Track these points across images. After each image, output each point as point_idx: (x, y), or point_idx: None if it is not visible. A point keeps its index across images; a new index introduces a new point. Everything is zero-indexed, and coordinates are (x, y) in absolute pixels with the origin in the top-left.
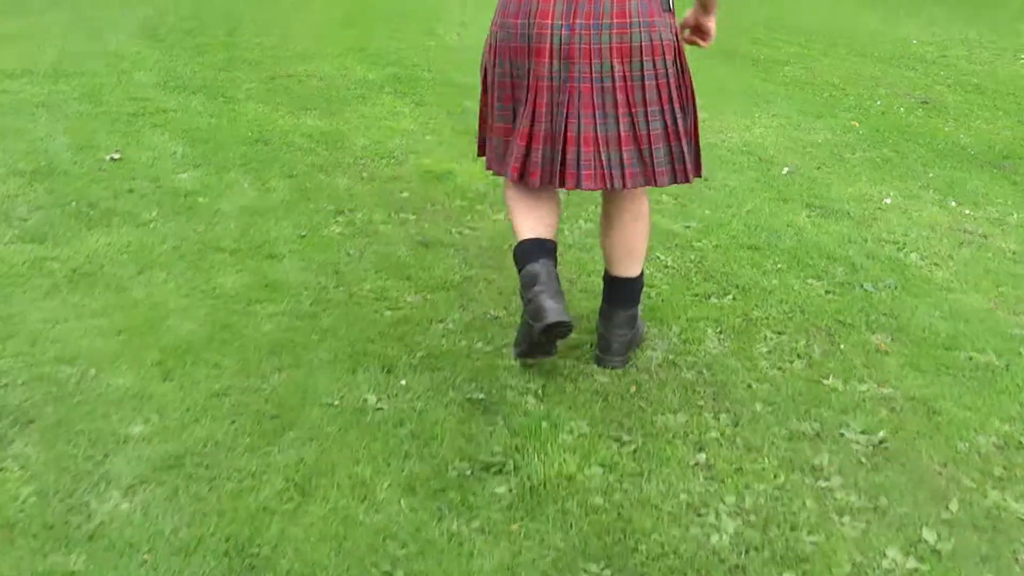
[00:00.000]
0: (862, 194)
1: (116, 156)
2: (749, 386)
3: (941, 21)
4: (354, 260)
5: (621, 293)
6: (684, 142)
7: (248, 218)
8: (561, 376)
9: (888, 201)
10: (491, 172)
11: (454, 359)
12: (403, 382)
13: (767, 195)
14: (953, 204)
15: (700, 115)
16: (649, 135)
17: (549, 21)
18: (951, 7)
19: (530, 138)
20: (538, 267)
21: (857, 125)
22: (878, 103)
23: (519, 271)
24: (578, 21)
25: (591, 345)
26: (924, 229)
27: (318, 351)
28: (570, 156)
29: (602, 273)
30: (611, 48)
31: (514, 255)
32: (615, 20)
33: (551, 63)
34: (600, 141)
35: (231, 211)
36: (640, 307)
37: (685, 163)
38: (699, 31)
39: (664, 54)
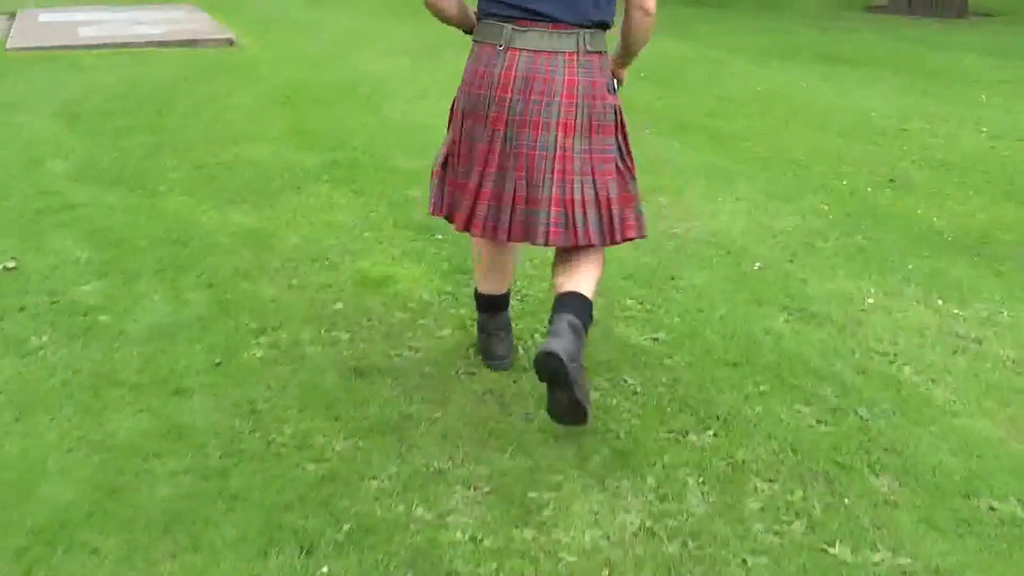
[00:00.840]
0: (841, 292)
1: (10, 265)
2: (744, 561)
3: (896, 91)
4: (275, 395)
5: (568, 302)
6: (614, 208)
7: (156, 342)
8: (520, 556)
9: (871, 301)
10: (433, 215)
11: (389, 532)
12: (324, 569)
13: (740, 296)
14: (939, 302)
15: (661, 199)
16: (582, 200)
17: (508, 95)
18: (904, 76)
19: (477, 195)
20: (491, 316)
21: (826, 208)
22: (844, 182)
23: (477, 312)
24: (532, 96)
25: (553, 508)
26: (913, 335)
27: (223, 526)
28: (516, 214)
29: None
30: (557, 122)
31: (475, 296)
32: (564, 98)
33: (505, 131)
34: (539, 201)
35: (137, 333)
36: (584, 354)
37: (613, 227)
38: (615, 78)
39: (603, 132)
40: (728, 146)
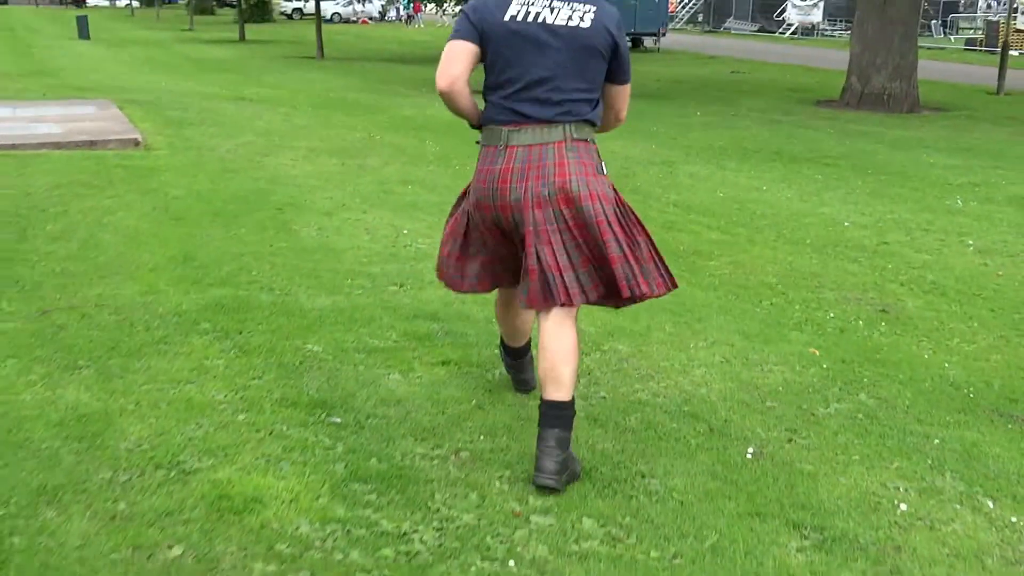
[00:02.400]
0: (864, 494)
1: None
2: None
3: (864, 196)
4: None
5: (552, 415)
6: (619, 266)
7: None
8: None
9: (903, 507)
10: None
11: None
12: None
13: (734, 508)
14: (988, 503)
15: (620, 347)
16: (603, 256)
17: (508, 185)
18: (868, 179)
19: (503, 266)
20: (518, 361)
21: (817, 353)
22: (831, 314)
23: (508, 357)
24: (528, 184)
25: None
26: (972, 566)
27: None
28: (532, 282)
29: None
30: (557, 199)
31: (503, 348)
32: (557, 179)
33: (511, 215)
34: (562, 268)
35: None
36: (572, 435)
37: (638, 280)
38: None
39: (602, 200)
40: (693, 268)
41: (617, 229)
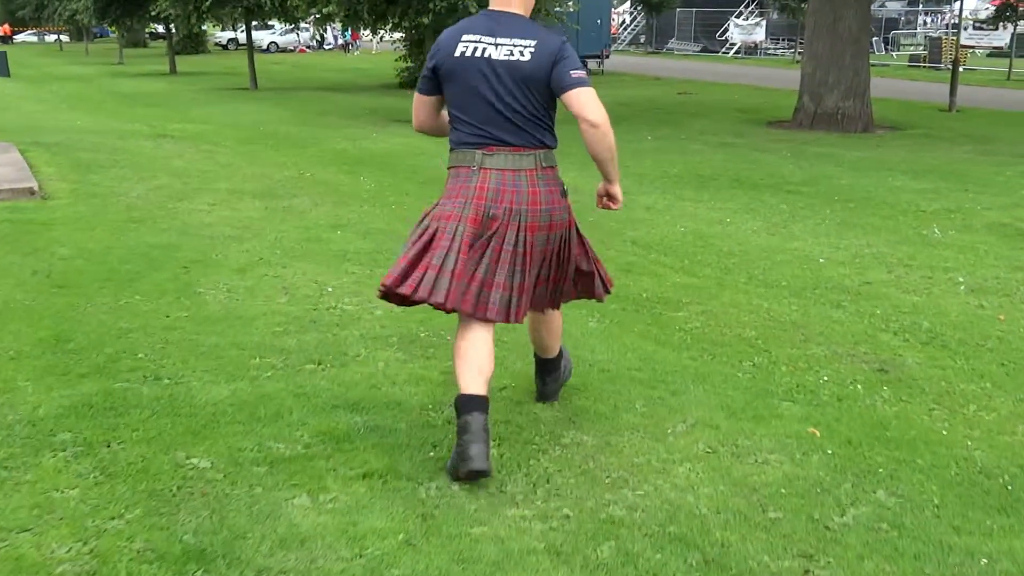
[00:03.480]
0: None
1: None
2: None
3: (835, 227)
4: None
5: (545, 366)
6: (559, 284)
7: None
8: None
9: None
10: (385, 291)
11: None
12: None
13: None
14: None
15: (585, 438)
16: (546, 280)
17: (483, 202)
18: (835, 207)
19: (459, 276)
20: (471, 419)
21: (817, 434)
22: (823, 377)
23: (457, 417)
24: (503, 205)
25: None
26: None
27: None
28: (493, 296)
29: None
30: (527, 225)
31: (455, 402)
32: (529, 206)
33: (478, 230)
34: (511, 287)
35: None
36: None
37: (605, 286)
38: (609, 198)
39: (568, 227)
40: (660, 321)
41: (587, 249)
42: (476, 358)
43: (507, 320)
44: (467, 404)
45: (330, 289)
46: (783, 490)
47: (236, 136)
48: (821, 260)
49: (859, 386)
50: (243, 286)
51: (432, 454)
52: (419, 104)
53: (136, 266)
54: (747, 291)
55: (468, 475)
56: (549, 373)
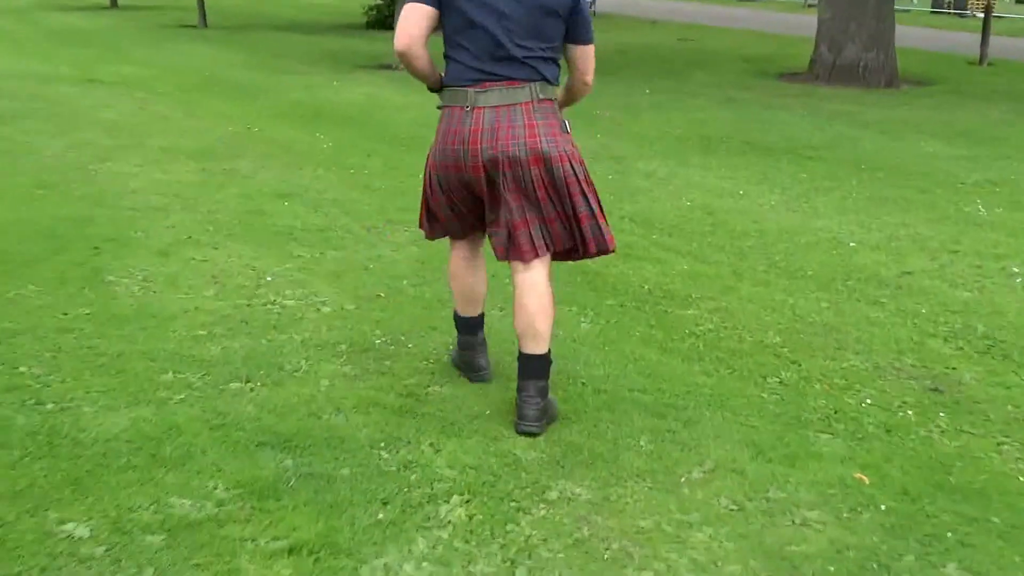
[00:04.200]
0: None
1: None
2: None
3: (861, 200)
4: None
5: (531, 367)
6: (588, 224)
7: None
8: None
9: None
10: (431, 238)
11: None
12: None
13: None
14: None
15: (580, 492)
16: (573, 215)
17: (479, 146)
18: (863, 177)
19: (483, 222)
20: (471, 337)
21: (866, 481)
22: (866, 401)
23: (459, 334)
24: (499, 143)
25: None
26: None
27: None
28: (517, 237)
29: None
30: (528, 160)
31: (455, 319)
32: (528, 140)
33: (484, 175)
34: (529, 223)
35: None
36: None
37: (587, 239)
38: None
39: (571, 160)
40: (665, 321)
41: (586, 188)
42: (470, 284)
43: (537, 255)
44: (465, 324)
45: (269, 278)
46: (831, 568)
47: (178, 82)
48: (851, 244)
49: (910, 411)
50: (163, 273)
51: (381, 516)
52: (415, 15)
53: (35, 246)
54: (767, 282)
55: (475, 379)
56: (537, 376)
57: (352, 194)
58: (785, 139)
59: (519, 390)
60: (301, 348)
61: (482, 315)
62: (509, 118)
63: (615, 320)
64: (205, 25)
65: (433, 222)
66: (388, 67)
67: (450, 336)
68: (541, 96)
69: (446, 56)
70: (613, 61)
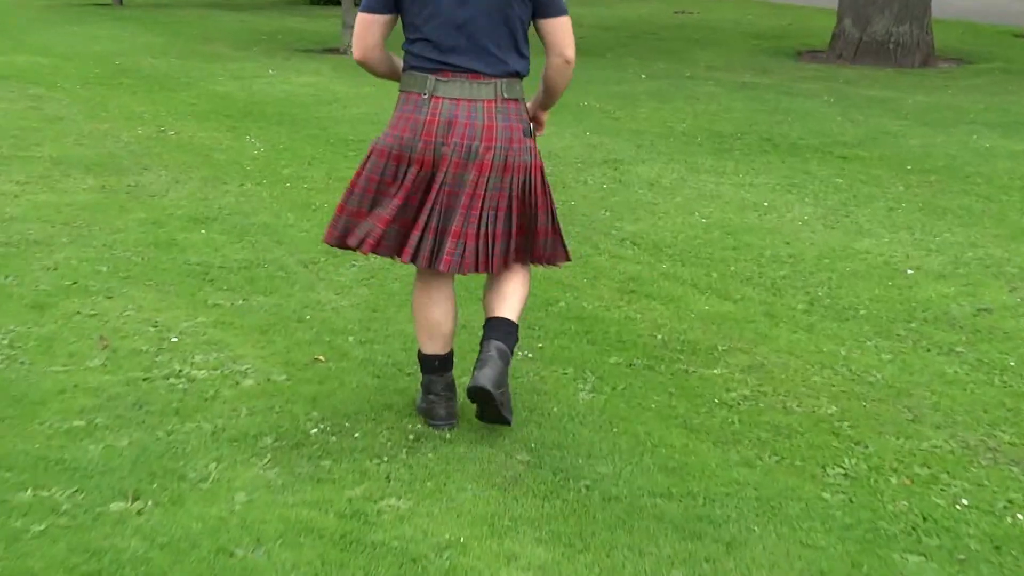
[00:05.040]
0: None
1: None
2: None
3: (914, 212)
4: None
5: (498, 329)
6: (515, 240)
7: None
8: None
9: None
10: (330, 240)
11: None
12: None
13: None
14: None
15: None
16: (492, 232)
17: (432, 139)
18: (913, 184)
19: (389, 222)
20: (435, 378)
21: None
22: (962, 501)
23: (422, 373)
24: (453, 139)
25: None
26: None
27: None
28: (425, 243)
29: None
30: (475, 164)
31: (418, 358)
32: (482, 142)
33: (429, 170)
34: (447, 232)
35: None
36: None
37: (556, 252)
38: (535, 121)
39: (528, 171)
40: (686, 386)
41: (539, 199)
42: (431, 317)
43: (461, 271)
44: (426, 364)
45: (175, 338)
46: None
47: (81, 74)
48: (908, 271)
49: (1019, 515)
50: (36, 335)
51: None
52: (367, 24)
53: None
54: (811, 327)
55: (438, 425)
56: (496, 335)
57: (287, 216)
58: (812, 134)
59: (481, 351)
60: (211, 443)
61: (449, 355)
62: (469, 114)
63: (623, 387)
64: (120, 3)
65: (341, 214)
66: (335, 51)
67: (410, 417)
68: (506, 95)
69: (405, 46)
70: (599, 40)
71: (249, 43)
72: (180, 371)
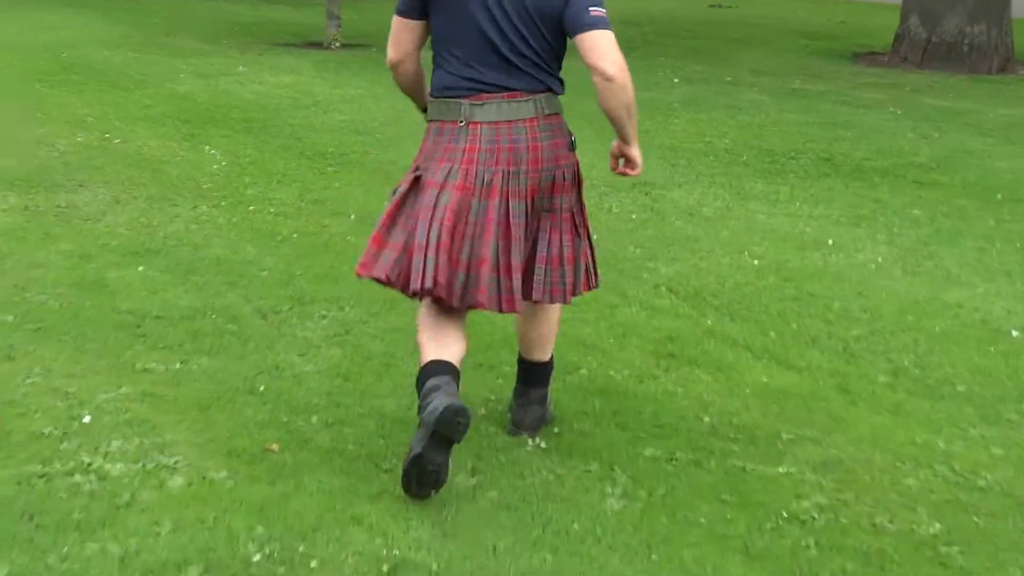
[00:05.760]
0: None
1: None
2: None
3: (1009, 254)
4: None
5: (533, 375)
6: (570, 267)
7: None
8: None
9: None
10: (362, 277)
11: None
12: None
13: None
14: None
15: None
16: (561, 256)
17: (474, 167)
18: (1006, 218)
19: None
20: (437, 380)
21: None
22: None
23: (420, 389)
24: (499, 166)
25: None
26: None
27: None
28: (483, 278)
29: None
30: (528, 188)
31: (417, 378)
32: (530, 167)
33: (472, 200)
34: (512, 268)
35: None
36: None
37: (566, 286)
38: (626, 162)
39: (564, 192)
40: (743, 490)
41: (586, 224)
42: (435, 334)
43: (499, 309)
44: (432, 369)
45: (87, 418)
46: None
47: (20, 67)
48: (1013, 332)
49: None
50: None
51: None
52: (399, 29)
53: None
54: (897, 407)
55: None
56: (536, 383)
57: (246, 249)
58: (879, 153)
59: (516, 395)
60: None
61: (453, 366)
62: (511, 138)
63: (662, 491)
64: None
65: (377, 243)
66: (318, 45)
67: (385, 537)
68: (547, 111)
69: (435, 60)
70: (621, 37)
71: (220, 35)
72: (89, 464)
